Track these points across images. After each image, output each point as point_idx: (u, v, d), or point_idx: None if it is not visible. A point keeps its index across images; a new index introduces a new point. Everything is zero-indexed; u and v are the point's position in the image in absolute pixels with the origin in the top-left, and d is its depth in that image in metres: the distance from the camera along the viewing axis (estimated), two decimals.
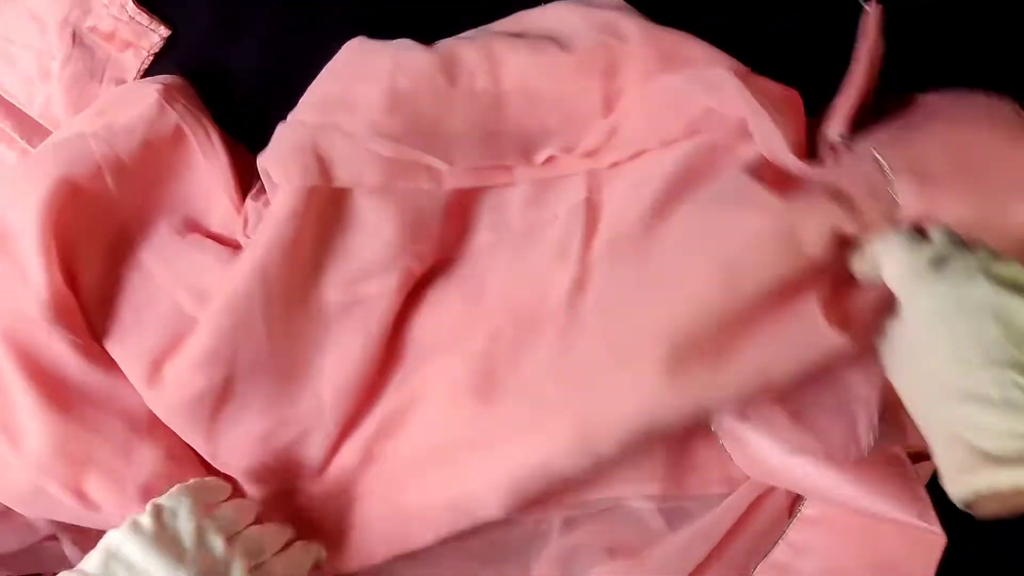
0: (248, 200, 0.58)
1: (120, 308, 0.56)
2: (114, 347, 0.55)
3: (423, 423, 0.54)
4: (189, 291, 0.56)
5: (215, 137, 0.57)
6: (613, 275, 0.52)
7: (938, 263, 0.44)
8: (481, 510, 0.54)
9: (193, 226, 0.58)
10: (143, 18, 0.58)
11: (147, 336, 0.55)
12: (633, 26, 0.54)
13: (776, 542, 0.57)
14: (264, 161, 0.54)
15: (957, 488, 0.42)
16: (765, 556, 0.57)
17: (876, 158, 0.49)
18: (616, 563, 0.56)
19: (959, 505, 0.42)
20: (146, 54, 0.58)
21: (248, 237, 0.57)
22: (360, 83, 0.55)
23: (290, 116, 0.56)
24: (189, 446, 0.55)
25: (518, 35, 0.56)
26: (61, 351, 0.53)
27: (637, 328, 0.49)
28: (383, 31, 0.59)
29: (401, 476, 0.55)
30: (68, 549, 0.57)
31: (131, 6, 0.57)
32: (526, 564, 0.58)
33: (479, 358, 0.53)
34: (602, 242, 0.53)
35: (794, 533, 0.57)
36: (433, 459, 0.54)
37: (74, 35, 0.58)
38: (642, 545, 0.57)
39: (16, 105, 0.60)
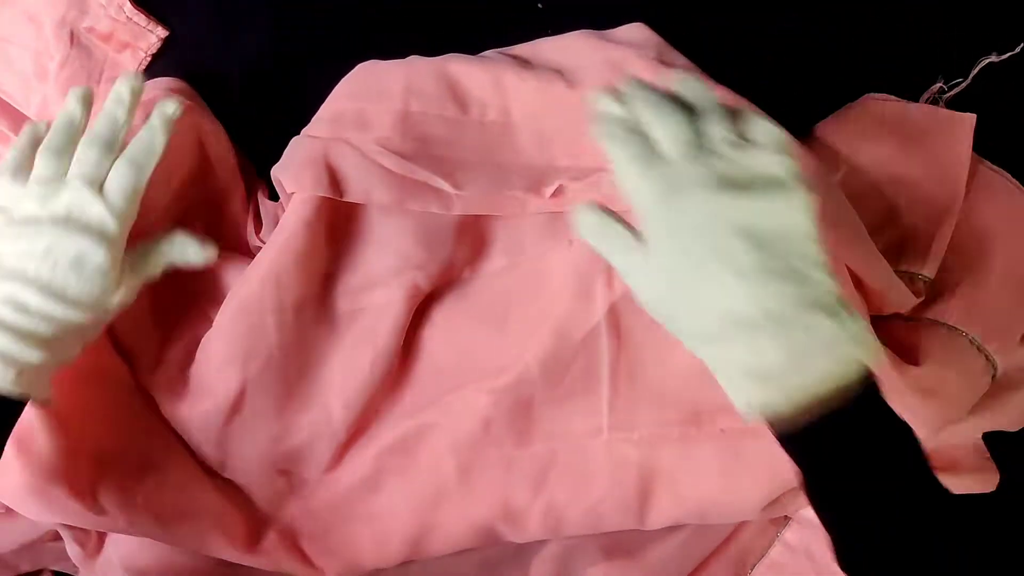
0: (261, 198, 0.58)
1: (151, 318, 0.57)
2: (140, 358, 0.56)
3: (450, 449, 0.55)
4: (212, 301, 0.56)
5: (222, 136, 0.58)
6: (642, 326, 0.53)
7: (674, 185, 0.39)
8: (514, 536, 0.55)
9: (206, 227, 0.59)
10: (140, 19, 0.57)
11: (177, 347, 0.56)
12: (643, 67, 0.53)
13: (773, 543, 0.57)
14: (277, 171, 0.55)
15: (747, 413, 0.39)
16: (762, 556, 0.57)
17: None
18: (613, 563, 0.57)
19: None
20: (144, 55, 0.58)
21: (261, 240, 0.57)
22: (373, 103, 0.55)
23: (303, 132, 0.56)
24: (194, 455, 0.55)
25: (528, 62, 0.56)
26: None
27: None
28: (382, 30, 0.59)
29: (423, 493, 0.55)
30: (70, 548, 0.57)
31: (128, 7, 0.57)
32: (525, 566, 0.58)
33: (508, 395, 0.54)
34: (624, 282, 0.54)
35: (790, 534, 0.57)
36: (463, 483, 0.55)
37: (72, 35, 0.57)
38: (640, 545, 0.57)
39: (13, 105, 0.60)
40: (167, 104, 0.50)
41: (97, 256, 0.46)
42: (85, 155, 0.48)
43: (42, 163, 0.48)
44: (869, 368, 0.37)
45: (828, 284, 0.37)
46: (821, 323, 0.37)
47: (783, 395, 0.37)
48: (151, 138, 0.49)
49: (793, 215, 0.38)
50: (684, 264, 0.39)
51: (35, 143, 0.49)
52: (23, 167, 0.48)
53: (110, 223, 0.47)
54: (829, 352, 0.37)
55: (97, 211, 0.47)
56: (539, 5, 0.59)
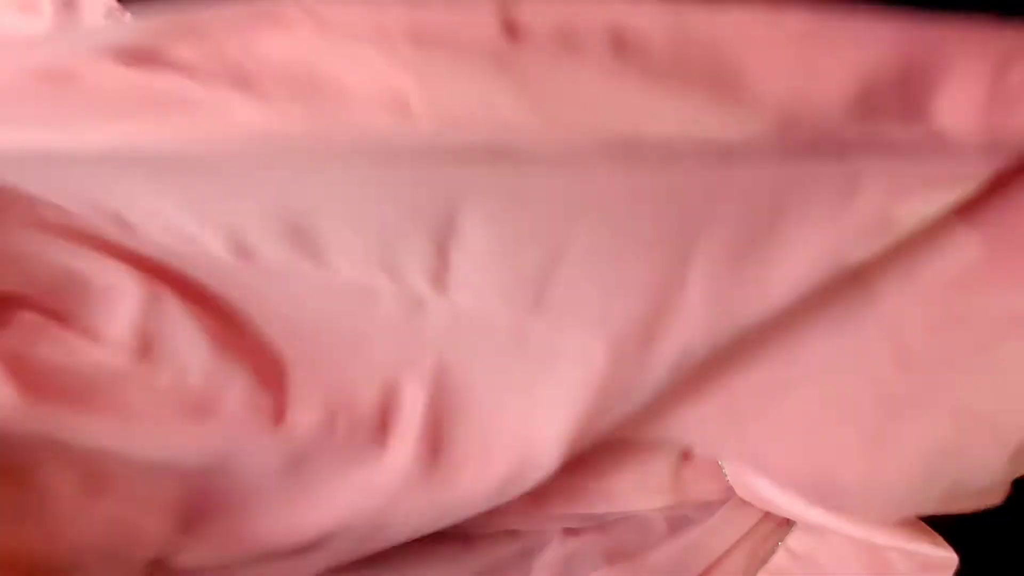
0: None
1: None
2: None
3: None
4: None
5: None
6: None
7: None
8: None
9: None
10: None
11: None
12: None
13: (775, 549, 0.57)
14: None
15: None
16: (765, 562, 0.57)
17: None
18: (615, 568, 0.57)
19: None
20: None
21: None
22: None
23: None
24: None
25: None
26: None
27: None
28: None
29: None
30: None
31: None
32: (526, 569, 0.58)
33: None
34: None
35: (793, 540, 0.57)
36: None
37: None
38: (642, 549, 0.57)
39: None
40: None
41: None
42: None
43: None
44: None
45: None
46: None
47: None
48: None
49: None
50: None
51: None
52: None
53: None
54: None
55: None
56: None
